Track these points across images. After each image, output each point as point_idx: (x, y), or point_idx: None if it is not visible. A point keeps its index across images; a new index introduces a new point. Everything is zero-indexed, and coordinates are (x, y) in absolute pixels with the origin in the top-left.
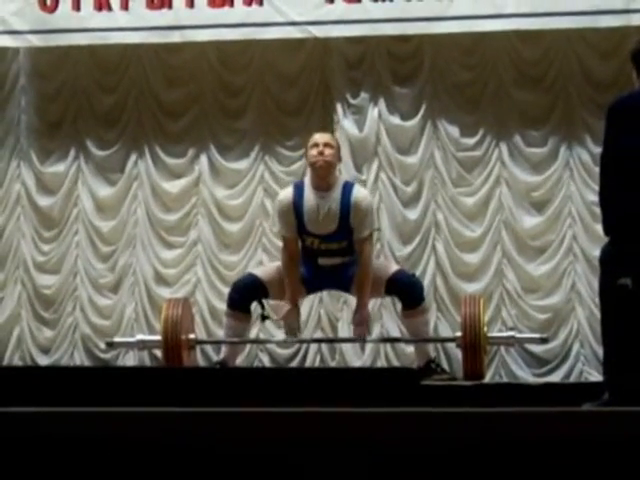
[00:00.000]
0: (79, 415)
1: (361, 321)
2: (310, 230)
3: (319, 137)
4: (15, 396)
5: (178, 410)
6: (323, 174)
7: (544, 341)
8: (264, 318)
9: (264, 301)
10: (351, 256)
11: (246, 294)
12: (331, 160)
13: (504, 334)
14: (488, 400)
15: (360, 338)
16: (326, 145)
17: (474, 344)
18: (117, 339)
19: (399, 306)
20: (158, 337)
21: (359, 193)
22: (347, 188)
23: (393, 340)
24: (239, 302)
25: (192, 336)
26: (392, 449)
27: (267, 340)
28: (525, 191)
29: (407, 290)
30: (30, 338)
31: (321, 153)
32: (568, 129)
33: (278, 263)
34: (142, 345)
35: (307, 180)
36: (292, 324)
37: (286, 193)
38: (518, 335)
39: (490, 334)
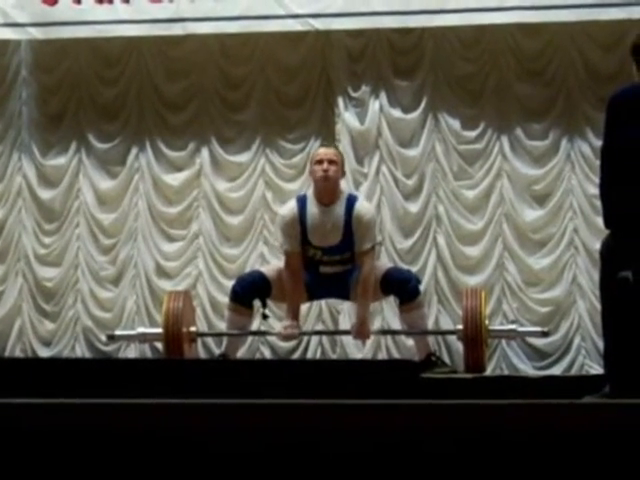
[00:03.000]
0: (80, 407)
1: (360, 334)
2: (313, 243)
3: (323, 153)
4: (16, 388)
5: (179, 402)
6: (327, 191)
7: (545, 335)
8: (265, 317)
9: (267, 300)
10: (352, 264)
11: (249, 289)
12: (335, 178)
13: (505, 327)
14: (489, 393)
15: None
16: (330, 162)
17: (475, 337)
18: (118, 332)
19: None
20: (159, 330)
21: (362, 207)
22: (350, 201)
23: (395, 332)
24: (242, 296)
25: (193, 329)
26: (392, 441)
27: (268, 332)
28: (526, 184)
29: (401, 285)
30: (31, 330)
31: (325, 171)
32: (569, 122)
33: (283, 265)
34: (143, 338)
35: (310, 193)
36: (290, 339)
37: (290, 207)
38: (519, 329)
39: (491, 327)
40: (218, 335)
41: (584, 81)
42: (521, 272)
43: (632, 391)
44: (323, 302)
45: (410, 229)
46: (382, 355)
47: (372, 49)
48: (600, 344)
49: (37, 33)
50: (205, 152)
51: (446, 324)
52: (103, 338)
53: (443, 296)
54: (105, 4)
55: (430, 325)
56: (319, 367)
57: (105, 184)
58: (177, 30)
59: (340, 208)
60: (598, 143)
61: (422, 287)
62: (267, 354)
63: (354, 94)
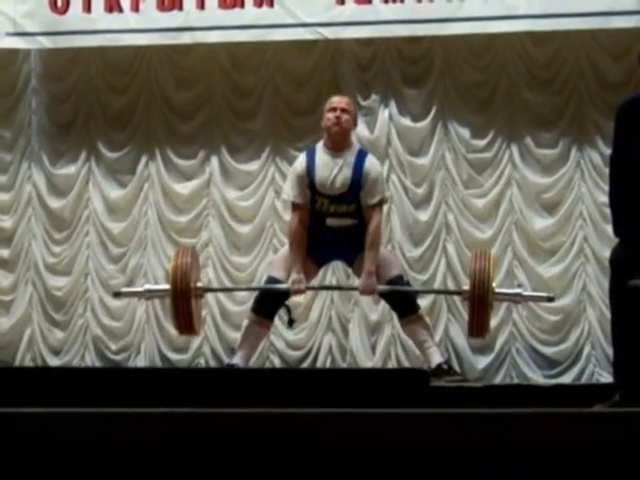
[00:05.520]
0: (90, 416)
1: (366, 288)
2: (320, 190)
3: (337, 101)
4: (26, 397)
5: (189, 411)
6: (338, 138)
7: (550, 300)
8: (292, 322)
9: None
10: (359, 219)
11: (274, 302)
12: (347, 126)
13: (511, 290)
14: (499, 401)
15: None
16: (343, 111)
17: (481, 297)
18: (124, 289)
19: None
20: (166, 286)
21: (371, 163)
22: (361, 155)
23: (398, 290)
24: (269, 309)
25: (200, 284)
26: (402, 450)
27: (275, 288)
28: (536, 192)
29: (396, 299)
30: (41, 339)
31: (338, 118)
32: (579, 130)
33: (283, 251)
34: (149, 294)
35: (320, 144)
36: (298, 294)
37: (299, 160)
38: (525, 293)
39: (498, 290)
40: (225, 290)
41: (594, 89)
42: (531, 280)
43: None
44: (333, 311)
45: (420, 238)
46: (392, 364)
47: (381, 58)
48: (610, 352)
49: (47, 42)
50: (215, 161)
51: (456, 333)
52: (113, 347)
53: (453, 304)
54: (115, 13)
55: (438, 335)
56: (329, 376)
57: (115, 193)
58: (186, 39)
59: (350, 157)
60: (608, 151)
61: (432, 296)
62: (277, 362)
63: (363, 103)
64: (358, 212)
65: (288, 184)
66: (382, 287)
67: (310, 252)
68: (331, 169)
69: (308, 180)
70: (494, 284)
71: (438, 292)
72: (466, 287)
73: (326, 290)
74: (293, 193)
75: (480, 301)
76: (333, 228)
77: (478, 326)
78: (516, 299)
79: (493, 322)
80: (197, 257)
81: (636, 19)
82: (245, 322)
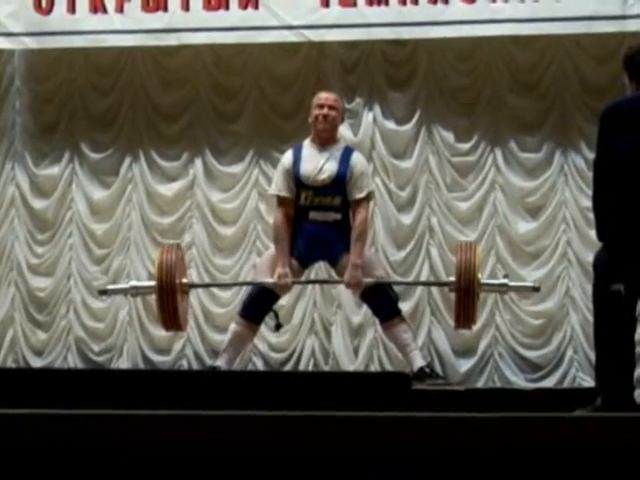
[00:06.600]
0: (72, 417)
1: (352, 281)
2: (305, 182)
3: (324, 98)
4: (8, 398)
5: (171, 413)
6: (325, 135)
7: (536, 290)
8: (279, 327)
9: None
10: (343, 215)
11: (262, 306)
12: (333, 123)
13: (497, 281)
14: (481, 405)
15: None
16: (330, 108)
17: (468, 288)
18: (110, 286)
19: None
20: (152, 282)
21: (357, 157)
22: (348, 151)
23: (388, 283)
24: (257, 314)
25: (185, 281)
26: (384, 453)
27: (263, 283)
28: (519, 196)
29: (378, 303)
30: (24, 340)
31: (325, 116)
32: (563, 135)
33: (267, 255)
34: (135, 291)
35: (307, 140)
36: (284, 290)
37: (287, 155)
38: (511, 283)
39: (484, 280)
40: (210, 286)
41: (578, 94)
42: None
43: (623, 404)
44: (316, 314)
45: (403, 241)
46: (374, 367)
47: (366, 61)
48: (592, 357)
49: (31, 43)
50: (199, 163)
51: (438, 336)
52: (96, 348)
53: (436, 308)
54: (99, 14)
55: (421, 339)
56: (311, 379)
57: (98, 194)
58: (171, 40)
59: (337, 152)
60: (591, 155)
61: (415, 299)
62: (259, 365)
63: (348, 106)
64: (343, 207)
65: (274, 179)
66: (368, 280)
67: (294, 252)
68: (317, 161)
69: (294, 175)
70: (479, 275)
71: (424, 284)
72: (452, 278)
73: (312, 284)
74: (278, 187)
75: (466, 291)
76: (316, 222)
77: (465, 317)
78: (502, 289)
79: (476, 326)
80: (182, 254)
81: (620, 24)
82: (232, 326)
